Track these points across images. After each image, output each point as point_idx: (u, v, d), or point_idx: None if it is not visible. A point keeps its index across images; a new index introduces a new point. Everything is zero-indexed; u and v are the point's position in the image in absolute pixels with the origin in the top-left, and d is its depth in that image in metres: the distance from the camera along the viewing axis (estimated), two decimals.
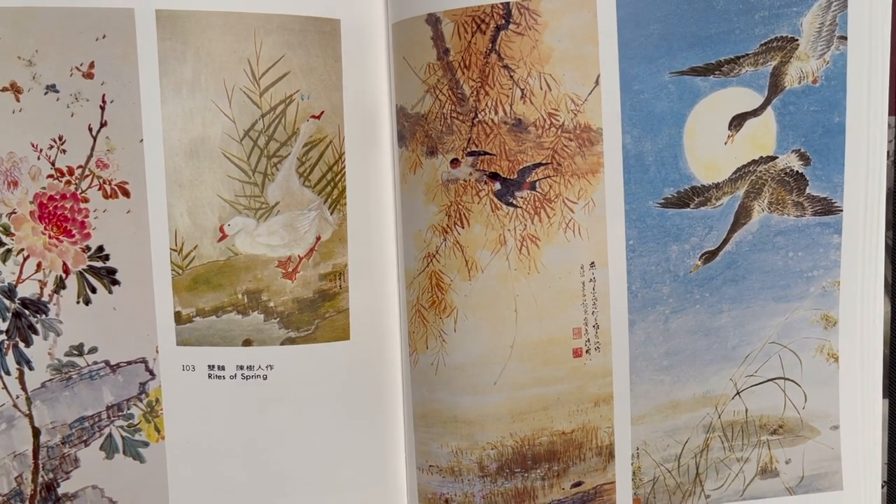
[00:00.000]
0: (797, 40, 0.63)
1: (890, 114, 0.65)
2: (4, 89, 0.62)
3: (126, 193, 0.63)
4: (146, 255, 0.63)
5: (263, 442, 0.66)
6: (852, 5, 0.63)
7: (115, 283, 0.64)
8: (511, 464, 0.65)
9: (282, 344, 0.64)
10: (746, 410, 0.68)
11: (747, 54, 0.63)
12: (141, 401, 0.65)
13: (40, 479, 0.66)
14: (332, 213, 0.64)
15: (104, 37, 0.61)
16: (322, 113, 0.63)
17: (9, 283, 0.64)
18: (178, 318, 0.64)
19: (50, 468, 0.66)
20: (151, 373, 0.65)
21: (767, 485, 0.69)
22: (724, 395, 0.68)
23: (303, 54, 0.63)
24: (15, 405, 0.65)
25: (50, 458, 0.66)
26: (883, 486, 0.70)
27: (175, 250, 0.63)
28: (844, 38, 0.64)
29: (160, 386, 0.65)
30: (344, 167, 0.64)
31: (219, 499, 0.66)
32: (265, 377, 0.65)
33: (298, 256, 0.64)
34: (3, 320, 0.64)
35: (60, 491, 0.66)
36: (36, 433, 0.65)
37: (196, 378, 0.65)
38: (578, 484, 0.67)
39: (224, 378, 0.65)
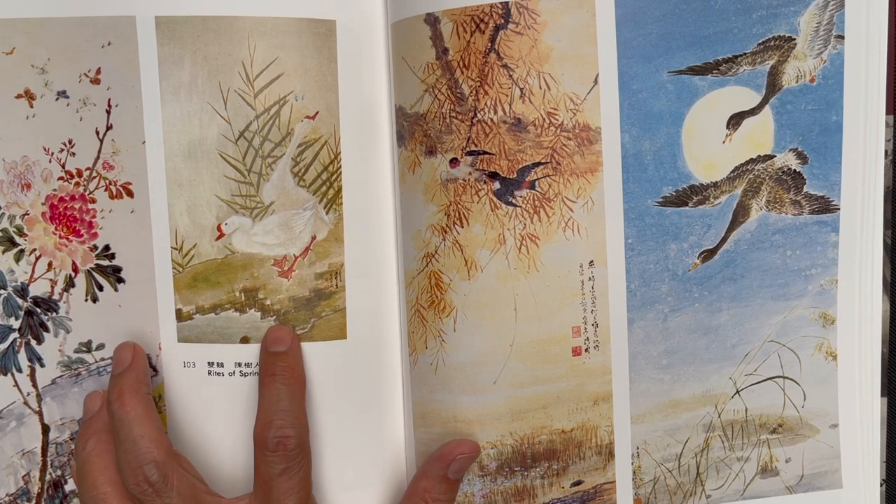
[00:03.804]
0: (794, 39, 0.61)
1: (887, 112, 0.62)
2: (19, 96, 0.61)
3: (130, 194, 0.62)
4: (149, 253, 0.62)
5: None
6: (849, 5, 0.61)
7: (121, 280, 0.63)
8: (511, 462, 0.63)
9: None
10: (746, 409, 0.65)
11: (745, 53, 0.61)
12: None
13: (48, 477, 0.64)
14: (327, 213, 0.62)
15: (109, 44, 0.60)
16: (317, 113, 0.61)
17: (22, 283, 0.63)
18: (179, 315, 0.62)
19: (58, 465, 0.64)
20: (154, 369, 0.63)
21: (768, 484, 0.66)
22: (723, 394, 0.65)
23: (297, 56, 0.60)
24: (25, 402, 0.64)
25: (58, 454, 0.64)
26: (882, 485, 0.67)
27: (176, 248, 0.62)
28: (842, 37, 0.61)
29: (162, 382, 0.63)
30: (340, 167, 0.62)
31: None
32: None
33: (294, 255, 0.62)
34: (17, 319, 0.63)
35: (67, 488, 0.64)
36: (45, 430, 0.64)
37: (196, 375, 0.63)
38: (578, 483, 0.64)
39: (223, 375, 0.62)
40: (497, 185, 0.60)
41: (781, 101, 0.61)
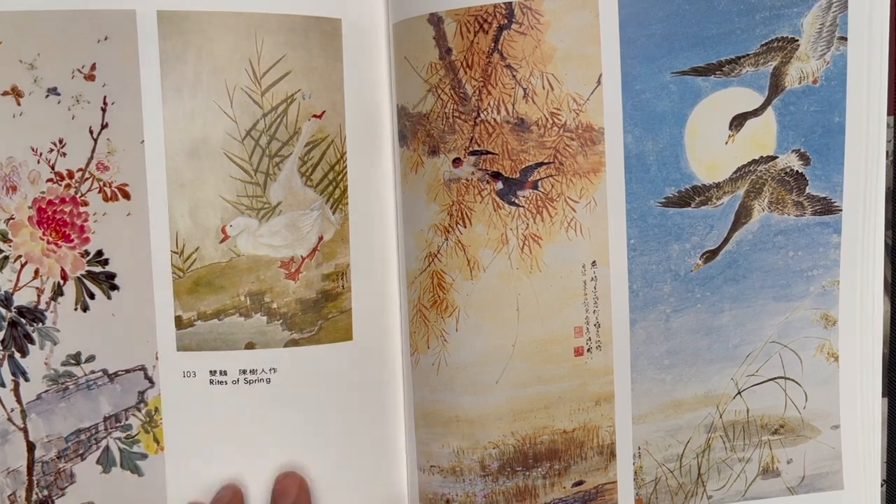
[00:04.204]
0: (797, 41, 0.61)
1: (889, 114, 0.62)
2: (5, 93, 0.58)
3: (126, 196, 0.60)
4: (146, 258, 0.60)
5: (264, 445, 0.62)
6: (852, 6, 0.61)
7: (114, 287, 0.60)
8: (512, 462, 0.62)
9: (285, 346, 0.61)
10: (748, 410, 0.65)
11: (748, 54, 0.61)
12: (140, 410, 0.61)
13: (34, 497, 0.61)
14: (334, 213, 0.61)
15: (106, 39, 0.58)
16: (323, 112, 0.60)
17: (5, 292, 0.60)
18: (179, 322, 0.60)
19: (45, 484, 0.61)
20: (151, 381, 0.61)
21: (769, 485, 0.66)
22: (725, 395, 0.64)
23: (304, 54, 0.59)
24: (9, 419, 0.60)
25: (45, 473, 0.61)
26: (882, 485, 0.67)
27: (176, 252, 0.60)
28: (844, 38, 0.61)
29: (159, 394, 0.61)
30: (345, 166, 0.61)
31: None
32: (268, 380, 0.61)
33: (301, 257, 0.61)
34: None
35: None
36: (31, 448, 0.61)
37: (197, 385, 0.61)
38: (580, 483, 0.63)
39: (226, 383, 0.61)
40: (500, 184, 0.60)
41: (784, 102, 0.61)
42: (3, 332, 0.60)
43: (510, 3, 0.58)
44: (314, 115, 0.60)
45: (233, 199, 0.60)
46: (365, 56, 0.61)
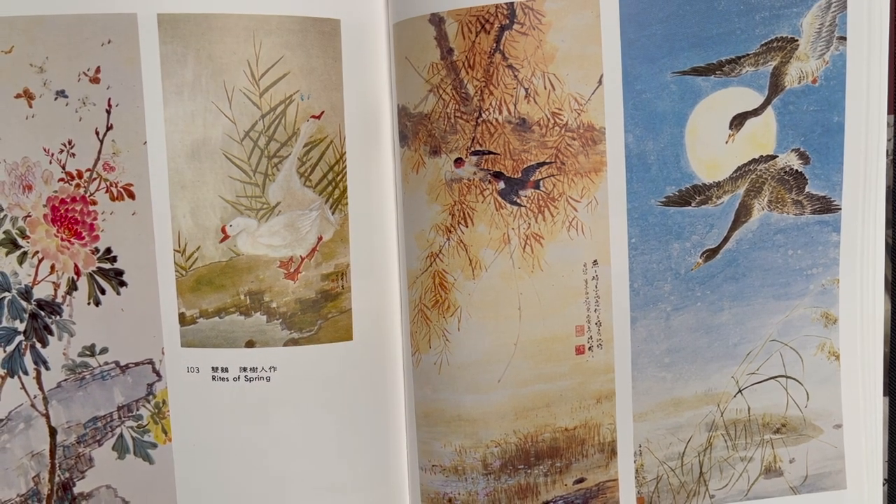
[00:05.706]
0: (797, 41, 0.59)
1: (889, 113, 0.60)
2: (18, 96, 0.58)
3: (131, 195, 0.59)
4: (151, 256, 0.59)
5: (267, 443, 0.61)
6: (851, 6, 0.59)
7: (123, 284, 0.60)
8: (514, 461, 0.61)
9: (284, 345, 0.60)
10: (749, 409, 0.63)
11: (748, 54, 0.59)
12: (149, 402, 0.61)
13: (57, 479, 0.62)
14: (333, 213, 0.60)
15: (109, 42, 0.58)
16: (322, 113, 0.59)
17: (25, 285, 0.60)
18: (182, 319, 0.60)
19: (66, 467, 0.62)
20: (158, 374, 0.61)
21: (772, 484, 0.64)
22: (725, 393, 0.63)
23: (302, 55, 0.58)
24: (32, 405, 0.61)
25: (66, 457, 0.62)
26: (884, 485, 0.65)
27: (178, 251, 0.59)
28: (844, 38, 0.59)
29: (166, 387, 0.61)
30: (345, 167, 0.60)
31: (226, 500, 0.62)
32: (268, 378, 0.60)
33: (300, 257, 0.60)
34: (21, 321, 0.60)
35: (76, 490, 0.62)
36: (52, 432, 0.61)
37: (200, 380, 0.61)
38: (581, 480, 0.62)
39: (227, 380, 0.60)
40: (501, 184, 0.58)
41: (784, 101, 0.59)
42: (25, 323, 0.60)
43: (512, 4, 0.56)
44: (313, 116, 0.59)
45: (232, 199, 0.59)
46: (364, 56, 0.60)
